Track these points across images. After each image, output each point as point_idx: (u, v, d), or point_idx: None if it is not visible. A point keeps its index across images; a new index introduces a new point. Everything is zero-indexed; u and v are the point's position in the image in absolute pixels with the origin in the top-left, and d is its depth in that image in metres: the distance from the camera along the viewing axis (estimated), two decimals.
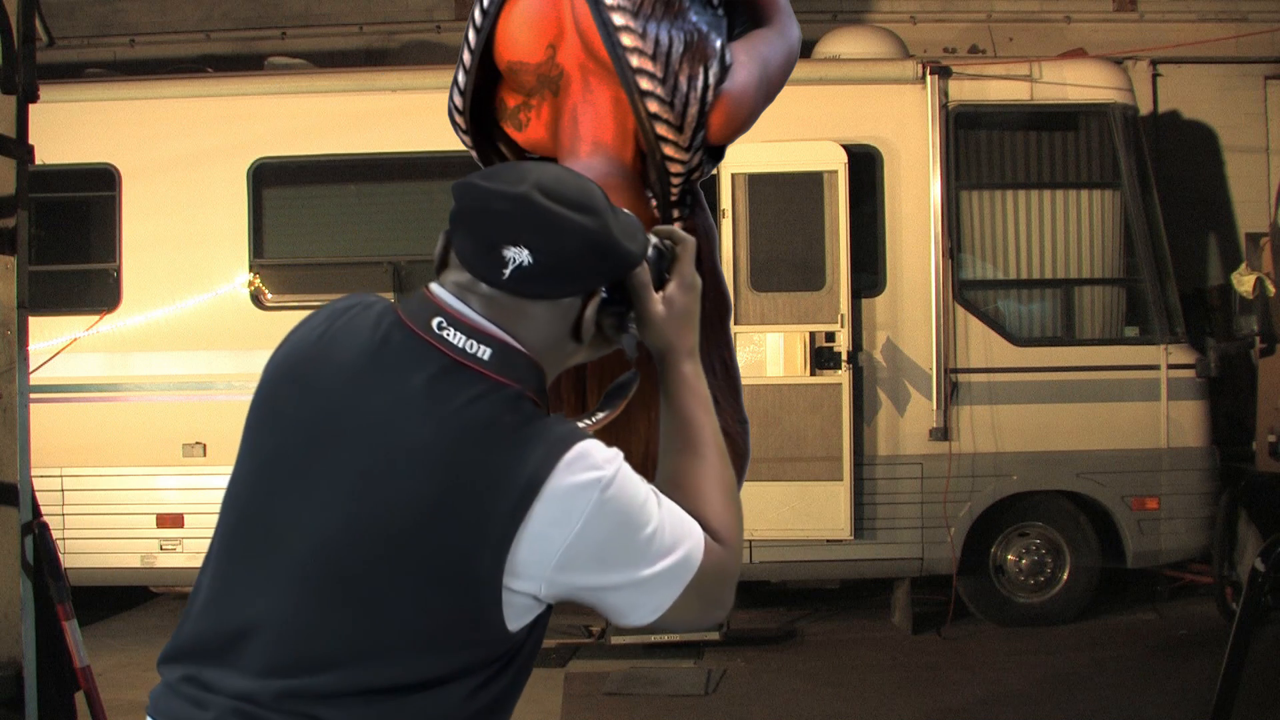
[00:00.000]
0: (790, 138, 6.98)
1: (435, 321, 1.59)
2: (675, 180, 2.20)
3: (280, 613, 1.55)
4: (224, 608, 1.60)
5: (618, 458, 1.57)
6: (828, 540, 7.16)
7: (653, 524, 1.55)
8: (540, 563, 1.51)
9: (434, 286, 1.65)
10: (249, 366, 7.44)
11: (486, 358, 1.58)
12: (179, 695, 1.59)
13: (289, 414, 1.64)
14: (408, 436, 1.54)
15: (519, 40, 2.27)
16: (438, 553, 1.51)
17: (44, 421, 5.19)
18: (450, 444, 1.52)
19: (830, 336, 7.14)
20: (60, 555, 4.12)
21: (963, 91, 7.37)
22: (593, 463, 1.54)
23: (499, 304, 1.61)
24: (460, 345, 1.58)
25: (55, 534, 4.23)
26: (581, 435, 1.57)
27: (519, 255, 1.57)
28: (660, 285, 1.72)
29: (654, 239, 1.75)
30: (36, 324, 4.49)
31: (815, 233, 7.24)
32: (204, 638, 1.61)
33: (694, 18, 2.19)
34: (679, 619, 1.60)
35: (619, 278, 1.67)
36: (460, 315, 1.60)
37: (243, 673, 1.54)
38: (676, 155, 2.15)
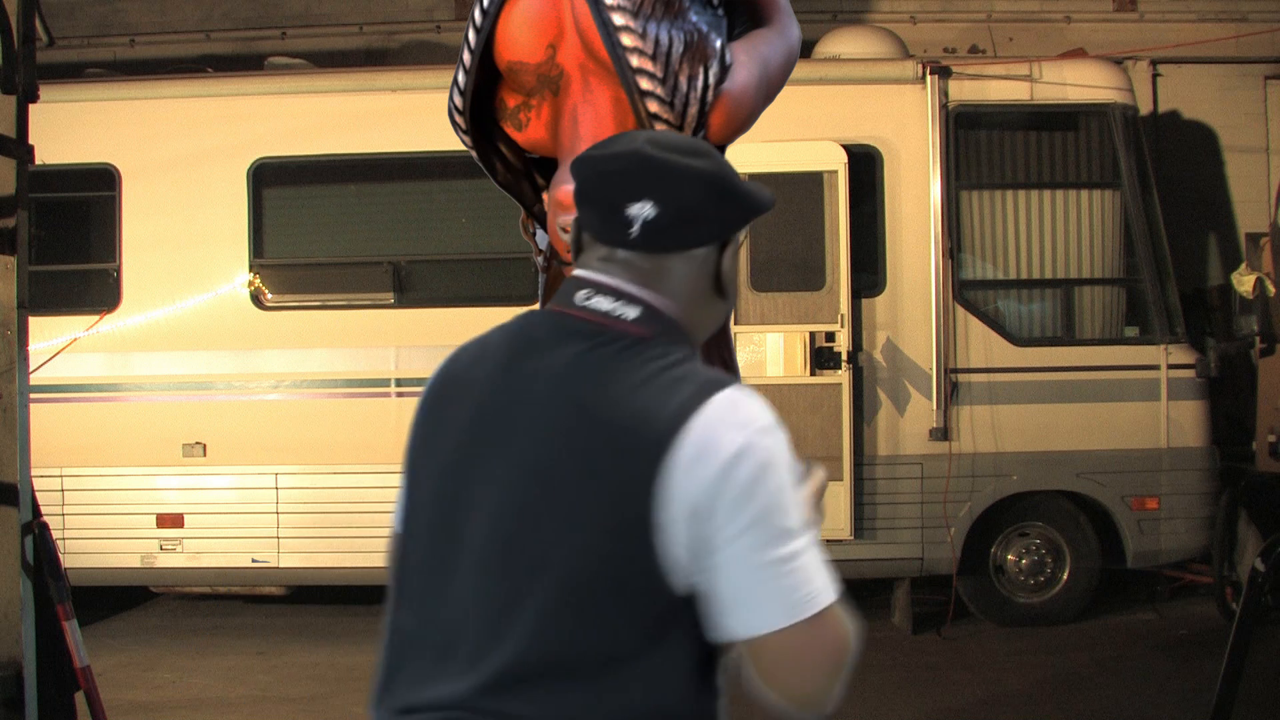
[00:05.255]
0: (790, 138, 6.97)
1: (580, 295, 1.63)
2: None
3: (471, 612, 1.55)
4: (425, 625, 1.60)
5: (779, 425, 1.55)
6: (827, 540, 7.15)
7: (794, 519, 1.51)
8: (684, 500, 1.48)
9: (576, 270, 1.69)
10: (249, 366, 7.50)
11: (634, 317, 1.61)
12: None
13: (456, 424, 1.64)
14: (567, 402, 1.56)
15: (519, 40, 2.27)
16: (600, 501, 1.51)
17: (44, 421, 5.19)
18: (607, 399, 1.54)
19: (830, 336, 7.14)
20: (60, 555, 4.12)
21: (963, 91, 7.37)
22: (747, 412, 1.52)
23: (638, 266, 1.64)
24: (607, 309, 1.61)
25: (55, 534, 4.23)
26: (738, 384, 1.57)
27: (643, 210, 1.60)
28: None
29: None
30: (36, 324, 4.49)
31: (815, 233, 7.24)
32: (410, 661, 1.60)
33: (694, 18, 2.19)
34: (780, 663, 1.53)
35: (748, 222, 1.69)
36: (603, 283, 1.63)
37: (451, 681, 1.54)
38: None
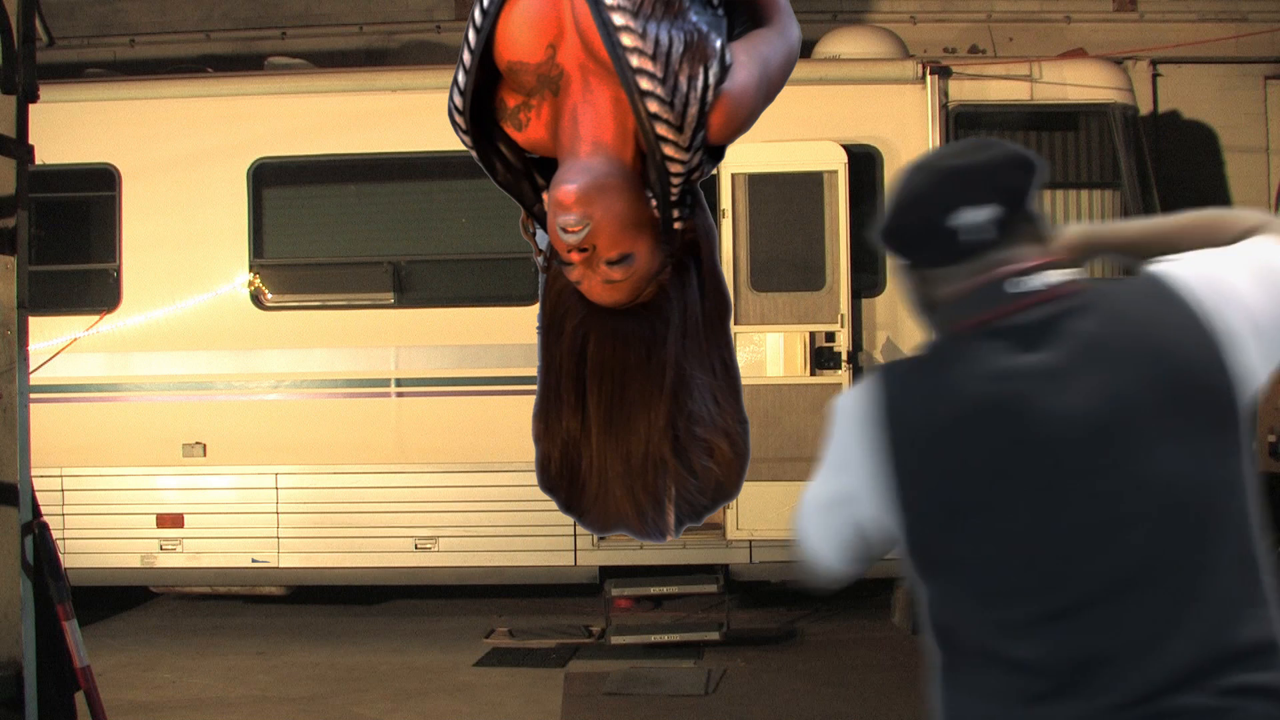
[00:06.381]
0: (790, 138, 6.97)
1: (1009, 289, 1.68)
2: (675, 180, 2.19)
3: (1152, 599, 1.57)
4: (1077, 630, 1.60)
5: None
6: None
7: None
8: (1240, 314, 1.64)
9: (955, 304, 1.73)
10: (249, 366, 7.51)
11: (1063, 274, 1.70)
12: None
13: (1003, 450, 1.65)
14: (1132, 360, 1.62)
15: (519, 40, 2.27)
16: (1218, 417, 1.61)
17: (44, 421, 5.19)
18: (1154, 332, 1.64)
19: (830, 336, 7.14)
20: (60, 555, 4.12)
21: (963, 91, 7.37)
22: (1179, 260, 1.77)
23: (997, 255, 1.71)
24: (1057, 280, 1.68)
25: (55, 534, 4.23)
26: None
27: (978, 214, 1.69)
28: None
29: None
30: (36, 324, 4.50)
31: (815, 233, 7.24)
32: (1095, 668, 1.59)
33: (694, 18, 2.19)
34: None
35: (1042, 180, 1.79)
36: (1012, 271, 1.68)
37: (1173, 656, 1.55)
38: (676, 155, 2.15)
